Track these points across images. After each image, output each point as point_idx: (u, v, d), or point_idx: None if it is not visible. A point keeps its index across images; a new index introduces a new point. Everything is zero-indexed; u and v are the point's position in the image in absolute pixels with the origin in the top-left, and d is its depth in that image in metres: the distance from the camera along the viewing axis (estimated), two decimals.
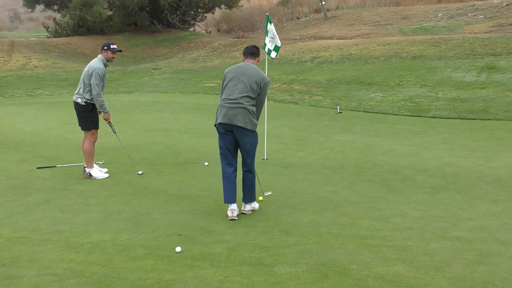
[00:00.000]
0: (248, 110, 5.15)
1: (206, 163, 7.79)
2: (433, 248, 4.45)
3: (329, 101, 15.61)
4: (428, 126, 11.55)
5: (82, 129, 7.15)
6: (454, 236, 4.73)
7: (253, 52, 5.46)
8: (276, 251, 4.41)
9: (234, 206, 5.27)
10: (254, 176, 5.45)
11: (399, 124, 11.89)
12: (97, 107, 6.96)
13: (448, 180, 6.78)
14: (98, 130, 7.27)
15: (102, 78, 6.86)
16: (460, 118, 12.51)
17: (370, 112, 13.83)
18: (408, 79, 16.82)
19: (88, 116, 7.04)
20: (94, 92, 6.81)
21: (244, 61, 5.47)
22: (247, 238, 4.74)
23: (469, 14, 27.02)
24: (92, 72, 6.83)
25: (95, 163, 7.40)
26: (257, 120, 5.36)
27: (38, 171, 7.42)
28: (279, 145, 9.35)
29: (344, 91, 16.61)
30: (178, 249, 4.43)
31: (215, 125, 5.32)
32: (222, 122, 5.16)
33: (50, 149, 9.14)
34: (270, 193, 6.07)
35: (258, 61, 5.51)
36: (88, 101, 6.95)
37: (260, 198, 5.88)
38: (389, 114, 13.51)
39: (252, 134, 5.24)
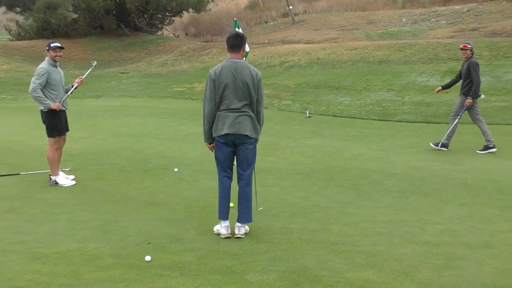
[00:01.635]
0: (253, 117, 4.88)
1: (176, 169, 7.71)
2: (402, 252, 4.50)
3: (298, 106, 15.69)
4: (395, 130, 11.74)
5: (48, 136, 6.96)
6: (422, 240, 4.81)
7: (235, 44, 4.88)
8: (247, 259, 4.39)
9: (228, 222, 4.96)
10: (250, 189, 5.01)
11: (367, 128, 12.05)
12: (37, 103, 6.75)
13: (416, 184, 6.90)
14: (65, 135, 7.11)
15: (43, 76, 6.65)
16: (426, 122, 12.76)
17: (339, 117, 13.97)
18: (375, 84, 17.08)
19: (52, 123, 6.86)
20: (30, 89, 6.65)
21: (229, 55, 4.94)
22: (218, 245, 4.70)
23: (432, 19, 27.66)
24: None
25: (61, 170, 7.22)
26: (263, 123, 5.06)
27: (1, 179, 7.19)
28: None
29: (313, 96, 16.74)
30: (147, 258, 4.35)
31: (214, 137, 4.92)
32: (229, 132, 4.78)
33: (13, 155, 8.88)
34: (261, 208, 5.66)
35: (243, 50, 4.99)
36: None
37: (231, 204, 5.83)
38: (357, 118, 13.68)
39: (255, 143, 4.96)
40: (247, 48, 8.35)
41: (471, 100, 9.02)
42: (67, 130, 7.19)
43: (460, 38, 21.94)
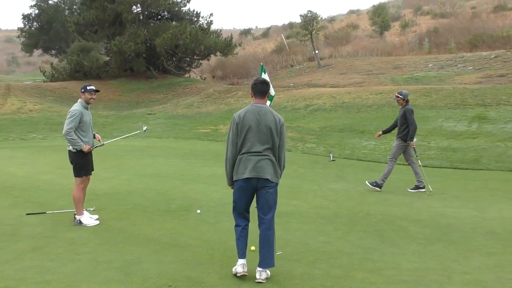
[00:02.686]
0: (274, 162, 4.91)
1: (198, 211, 7.72)
2: None
3: (323, 149, 15.68)
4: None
5: (74, 176, 7.10)
6: None
7: (262, 90, 5.04)
8: None
9: (244, 260, 4.91)
10: (273, 233, 4.96)
11: (392, 173, 11.89)
12: (69, 145, 6.92)
13: (442, 231, 6.75)
14: (91, 175, 7.24)
15: (76, 118, 6.85)
16: (452, 168, 12.58)
17: (363, 161, 13.89)
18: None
19: (80, 162, 7.01)
20: (63, 131, 6.83)
21: (253, 100, 5.08)
22: None
23: (459, 65, 27.66)
24: (67, 113, 6.91)
25: (86, 209, 7.32)
26: (284, 168, 5.11)
27: (27, 217, 7.32)
28: None
29: (337, 139, 16.73)
30: None
31: (234, 180, 4.97)
32: (250, 176, 4.80)
33: (41, 194, 9.06)
34: (280, 252, 5.62)
35: (268, 96, 5.15)
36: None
37: (252, 248, 5.80)
38: (382, 162, 13.55)
39: (275, 187, 4.95)
40: (272, 92, 8.48)
41: (413, 143, 9.75)
42: (93, 169, 7.33)
43: (488, 84, 21.82)
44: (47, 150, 15.64)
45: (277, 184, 4.98)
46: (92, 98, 7.11)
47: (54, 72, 35.95)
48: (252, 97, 5.11)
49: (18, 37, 55.50)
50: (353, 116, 19.23)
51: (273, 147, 4.91)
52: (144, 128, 7.65)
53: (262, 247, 4.89)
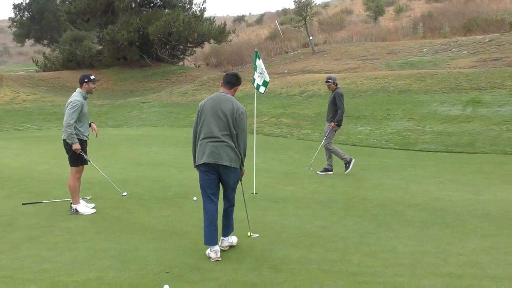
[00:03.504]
0: (232, 147, 5.09)
1: (195, 198, 7.73)
2: (424, 284, 4.41)
3: (318, 135, 15.69)
4: (416, 159, 11.63)
5: (70, 165, 7.08)
6: (444, 272, 4.71)
7: (229, 81, 5.33)
8: None
9: (216, 247, 5.12)
10: (233, 208, 5.40)
11: (387, 157, 11.96)
12: (65, 136, 6.88)
13: (437, 215, 6.79)
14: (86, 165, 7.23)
15: (78, 109, 6.83)
16: (447, 152, 12.63)
17: (359, 146, 13.92)
18: (396, 113, 17.03)
19: (75, 152, 6.97)
20: (64, 121, 6.80)
21: (221, 89, 5.36)
22: (236, 275, 4.67)
23: (453, 49, 27.63)
24: (68, 104, 6.87)
25: (82, 198, 7.32)
26: (245, 154, 5.26)
27: (23, 207, 7.31)
28: (268, 179, 9.33)
29: None
30: (166, 287, 4.35)
31: (195, 166, 5.23)
32: (207, 162, 5.04)
33: (36, 184, 9.03)
34: (257, 235, 5.85)
35: (235, 90, 5.39)
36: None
37: (248, 233, 5.83)
38: (377, 147, 13.61)
39: (235, 171, 5.19)
40: (267, 77, 8.45)
41: (335, 124, 9.80)
42: (89, 160, 7.30)
43: (482, 68, 21.83)
44: (41, 140, 15.58)
45: (237, 168, 5.18)
46: (94, 87, 7.16)
47: (46, 62, 35.65)
48: (221, 86, 5.38)
49: (9, 27, 54.91)
50: (348, 101, 19.15)
51: (231, 134, 5.10)
52: (124, 194, 7.87)
53: (224, 220, 5.35)
